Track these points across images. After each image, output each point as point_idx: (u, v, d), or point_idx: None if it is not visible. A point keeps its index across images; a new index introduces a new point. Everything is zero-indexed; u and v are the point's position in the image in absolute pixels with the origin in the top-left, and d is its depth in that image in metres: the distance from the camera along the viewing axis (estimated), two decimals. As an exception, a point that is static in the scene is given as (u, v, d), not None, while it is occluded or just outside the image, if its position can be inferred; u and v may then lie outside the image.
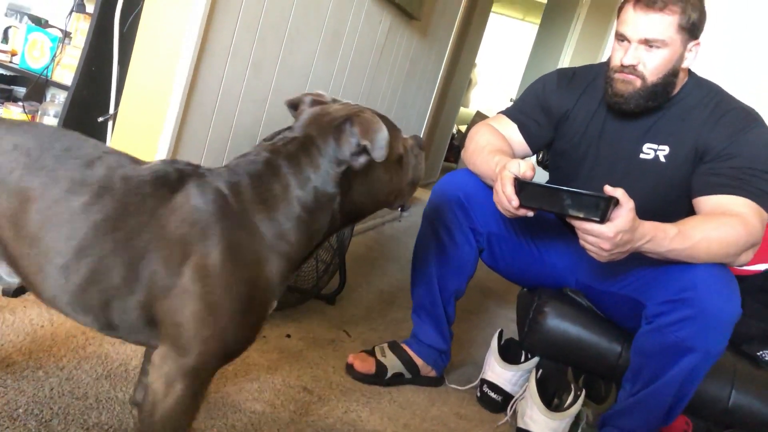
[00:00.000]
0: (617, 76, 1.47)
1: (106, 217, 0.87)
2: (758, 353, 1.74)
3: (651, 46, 1.41)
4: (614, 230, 1.21)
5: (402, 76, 3.04)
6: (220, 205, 0.91)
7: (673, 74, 1.45)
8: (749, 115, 1.46)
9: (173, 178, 0.93)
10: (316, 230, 1.00)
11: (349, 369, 1.68)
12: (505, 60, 9.05)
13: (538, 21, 6.33)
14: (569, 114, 1.62)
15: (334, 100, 1.09)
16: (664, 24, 1.38)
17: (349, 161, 0.98)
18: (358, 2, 2.26)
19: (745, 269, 1.89)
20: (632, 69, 1.43)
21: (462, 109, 6.69)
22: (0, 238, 0.87)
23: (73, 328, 1.46)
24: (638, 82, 1.45)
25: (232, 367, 1.51)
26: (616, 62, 1.47)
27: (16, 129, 0.91)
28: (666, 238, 1.29)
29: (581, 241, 1.28)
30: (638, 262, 1.46)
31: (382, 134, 0.96)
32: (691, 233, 1.32)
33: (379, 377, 1.68)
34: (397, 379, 1.71)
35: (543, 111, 1.64)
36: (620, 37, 1.45)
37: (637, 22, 1.40)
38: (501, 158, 1.43)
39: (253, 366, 1.55)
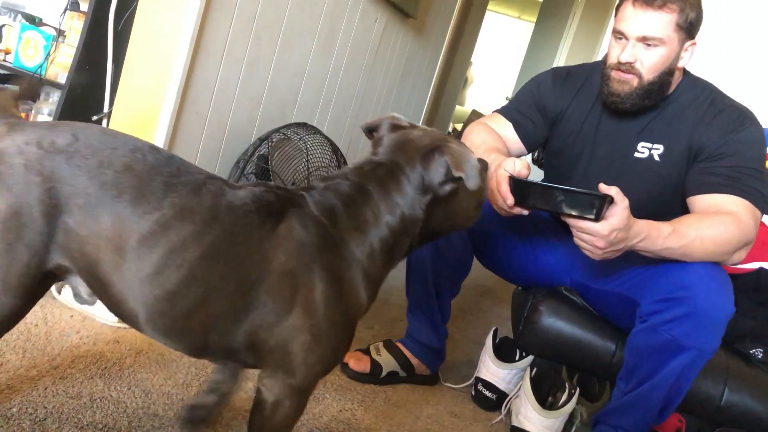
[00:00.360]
0: (614, 74, 1.47)
1: (214, 247, 0.88)
2: (751, 351, 1.75)
3: (648, 44, 1.41)
4: (609, 228, 1.21)
5: (397, 75, 3.04)
6: (322, 236, 0.95)
7: (669, 73, 1.45)
8: (743, 114, 1.47)
9: (276, 207, 0.94)
10: (398, 253, 1.05)
11: (344, 368, 1.68)
12: (501, 58, 9.06)
13: (534, 19, 6.34)
14: (564, 113, 1.62)
15: (412, 125, 1.11)
16: (662, 22, 1.38)
17: (436, 189, 1.02)
18: (353, 1, 2.25)
19: (738, 268, 1.90)
20: (629, 66, 1.43)
21: (458, 108, 6.69)
22: (94, 260, 0.86)
23: (67, 327, 1.46)
24: (635, 81, 1.45)
25: (227, 365, 1.51)
26: (612, 59, 1.47)
27: (126, 146, 0.89)
28: (660, 236, 1.30)
29: (576, 240, 1.28)
30: (633, 260, 1.47)
31: (473, 163, 0.99)
32: (686, 232, 1.32)
33: (374, 376, 1.68)
34: (392, 378, 1.72)
35: (538, 110, 1.64)
36: (618, 34, 1.45)
37: (635, 19, 1.40)
38: (496, 157, 1.43)
39: (248, 365, 1.55)
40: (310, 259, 0.93)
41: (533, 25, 6.26)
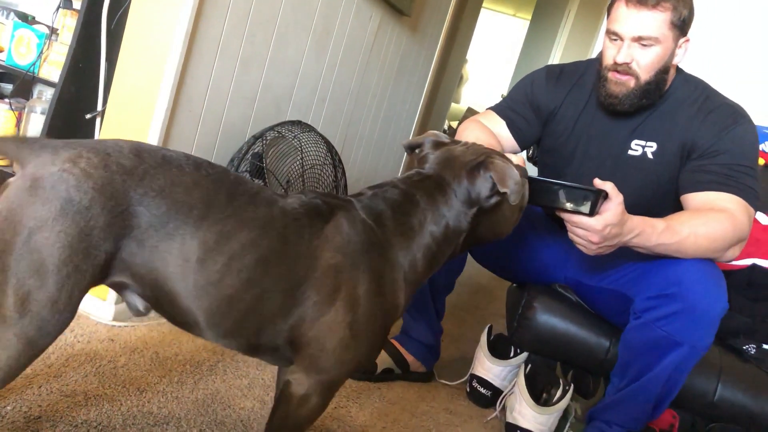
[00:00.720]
0: (611, 76, 1.47)
1: (269, 250, 0.91)
2: (744, 347, 1.76)
3: (644, 44, 1.41)
4: (603, 223, 1.22)
5: (392, 73, 3.04)
6: (368, 236, 0.99)
7: (664, 71, 1.45)
8: (736, 112, 1.47)
9: (323, 209, 0.98)
10: (439, 261, 1.10)
11: (339, 365, 1.68)
12: (496, 56, 9.06)
13: (529, 17, 6.34)
14: (557, 111, 1.62)
15: (454, 141, 1.16)
16: (657, 21, 1.38)
17: (482, 203, 1.08)
18: (347, -2, 2.25)
19: (731, 264, 1.91)
20: (626, 67, 1.43)
21: (453, 105, 6.69)
22: (161, 276, 0.88)
23: (61, 325, 1.45)
24: (632, 82, 1.44)
25: (222, 364, 1.52)
26: (608, 60, 1.47)
27: (189, 162, 0.91)
28: (654, 233, 1.30)
29: (570, 234, 1.29)
30: (626, 257, 1.47)
31: (516, 179, 1.05)
32: (679, 228, 1.33)
33: (369, 373, 1.68)
34: (387, 375, 1.72)
35: (531, 108, 1.64)
36: (612, 35, 1.45)
37: (629, 19, 1.40)
38: None
39: (242, 362, 1.55)
40: (355, 256, 0.96)
41: (528, 22, 6.27)
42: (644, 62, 1.42)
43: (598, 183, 1.21)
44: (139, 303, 0.92)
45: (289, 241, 0.93)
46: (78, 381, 1.27)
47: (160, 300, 0.90)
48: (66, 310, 0.82)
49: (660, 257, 1.38)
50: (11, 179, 0.82)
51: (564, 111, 1.62)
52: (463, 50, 5.67)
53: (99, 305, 1.53)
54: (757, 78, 2.54)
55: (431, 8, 3.37)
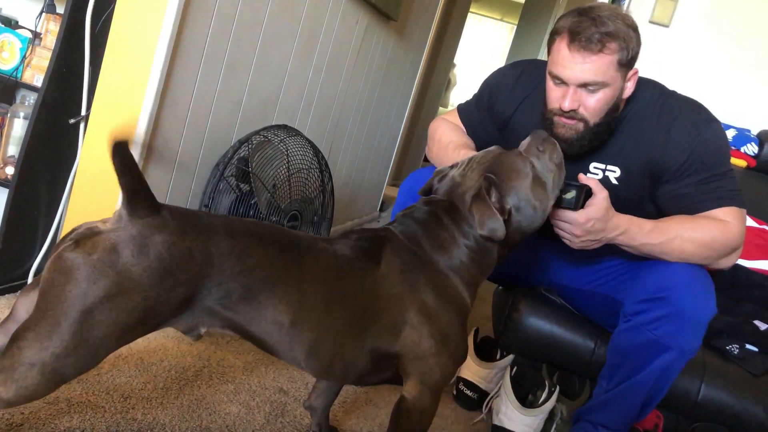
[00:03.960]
0: (557, 120, 1.36)
1: (335, 297, 1.03)
2: (727, 347, 1.77)
3: (591, 89, 1.31)
4: (585, 217, 1.24)
5: (379, 77, 3.05)
6: (414, 259, 1.11)
7: (615, 110, 1.36)
8: (697, 117, 1.39)
9: (373, 251, 1.09)
10: (487, 265, 1.18)
11: (326, 369, 1.68)
12: (483, 60, 9.11)
13: (516, 21, 6.38)
14: (510, 119, 1.54)
15: (451, 167, 1.23)
16: (603, 66, 1.27)
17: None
18: (334, 3, 2.26)
19: (714, 265, 1.92)
20: (573, 113, 1.33)
21: (441, 109, 6.71)
22: (244, 328, 1.00)
23: (45, 332, 1.44)
24: (581, 126, 1.35)
25: (207, 369, 1.51)
26: (554, 104, 1.36)
27: (263, 237, 1.01)
28: (640, 232, 1.31)
29: (555, 228, 1.31)
30: (609, 259, 1.48)
31: (492, 225, 1.09)
32: (666, 230, 1.33)
33: (356, 377, 1.68)
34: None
35: (489, 114, 1.59)
36: (556, 79, 1.33)
37: (574, 66, 1.28)
38: (465, 153, 1.42)
39: (228, 368, 1.55)
40: (411, 281, 1.08)
41: (515, 27, 6.30)
42: (592, 106, 1.32)
43: (582, 178, 1.24)
44: (202, 332, 1.00)
45: (351, 285, 1.05)
46: (61, 387, 1.26)
47: (250, 339, 1.03)
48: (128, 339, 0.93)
49: (646, 258, 1.39)
50: (105, 227, 0.89)
51: (517, 119, 1.53)
52: (450, 54, 5.69)
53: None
54: (739, 81, 2.57)
55: (418, 13, 3.39)
